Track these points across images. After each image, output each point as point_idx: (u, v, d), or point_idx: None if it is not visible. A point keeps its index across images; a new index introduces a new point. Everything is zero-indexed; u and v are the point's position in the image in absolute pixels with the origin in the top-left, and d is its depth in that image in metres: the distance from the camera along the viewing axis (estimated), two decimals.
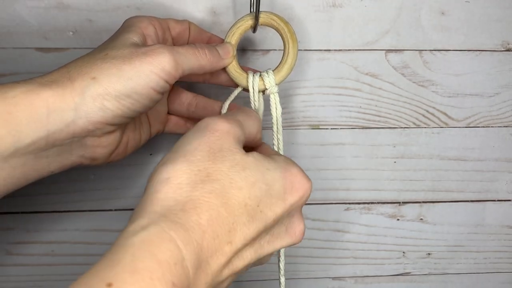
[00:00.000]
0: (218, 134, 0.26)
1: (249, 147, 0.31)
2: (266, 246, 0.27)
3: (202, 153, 0.25)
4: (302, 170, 0.29)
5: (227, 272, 0.25)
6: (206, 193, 0.24)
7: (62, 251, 0.46)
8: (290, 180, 0.27)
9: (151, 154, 0.44)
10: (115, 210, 0.45)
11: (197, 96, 0.38)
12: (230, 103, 0.37)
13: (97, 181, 0.44)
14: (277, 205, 0.27)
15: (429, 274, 0.51)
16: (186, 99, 0.38)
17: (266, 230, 0.27)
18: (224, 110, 0.37)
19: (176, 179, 0.24)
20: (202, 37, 0.37)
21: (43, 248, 0.45)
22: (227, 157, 0.26)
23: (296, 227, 0.29)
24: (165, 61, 0.29)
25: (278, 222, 0.27)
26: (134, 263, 0.20)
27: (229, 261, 0.25)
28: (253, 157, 0.27)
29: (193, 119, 0.39)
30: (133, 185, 0.45)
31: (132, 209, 0.45)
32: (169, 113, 0.39)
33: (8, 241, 0.45)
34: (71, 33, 0.40)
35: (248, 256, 0.26)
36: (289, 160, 0.29)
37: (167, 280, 0.20)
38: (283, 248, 0.29)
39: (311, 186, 0.29)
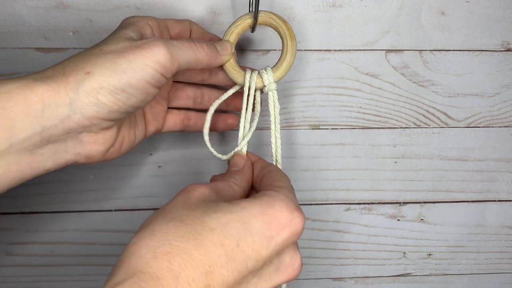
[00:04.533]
0: (195, 191, 0.27)
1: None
2: None
3: (177, 205, 0.26)
4: (291, 203, 0.27)
5: None
6: (178, 237, 0.24)
7: (62, 251, 0.45)
8: (273, 215, 0.26)
9: (151, 154, 0.44)
10: (115, 210, 0.45)
11: (201, 88, 0.38)
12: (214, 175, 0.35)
13: (97, 181, 0.44)
14: (261, 244, 0.25)
15: (430, 274, 0.51)
16: (192, 92, 0.38)
17: (251, 272, 0.25)
18: (213, 109, 0.36)
19: (150, 227, 0.25)
20: (204, 38, 0.37)
21: (43, 248, 0.45)
22: (200, 206, 0.26)
23: (289, 265, 0.27)
24: (160, 54, 0.29)
25: (265, 262, 0.26)
26: None
27: None
28: (228, 202, 0.27)
29: (200, 112, 0.39)
30: (133, 185, 0.45)
31: (132, 209, 0.45)
32: (176, 108, 0.38)
33: (8, 241, 0.45)
34: (71, 33, 0.40)
35: None
36: (276, 194, 0.27)
37: None
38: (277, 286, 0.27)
39: (303, 220, 0.27)
